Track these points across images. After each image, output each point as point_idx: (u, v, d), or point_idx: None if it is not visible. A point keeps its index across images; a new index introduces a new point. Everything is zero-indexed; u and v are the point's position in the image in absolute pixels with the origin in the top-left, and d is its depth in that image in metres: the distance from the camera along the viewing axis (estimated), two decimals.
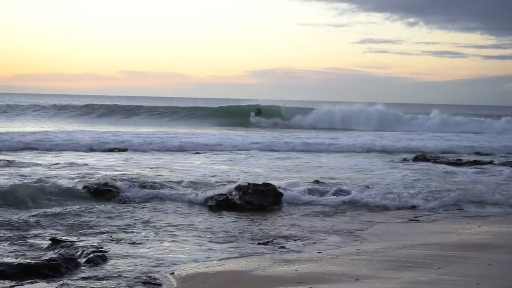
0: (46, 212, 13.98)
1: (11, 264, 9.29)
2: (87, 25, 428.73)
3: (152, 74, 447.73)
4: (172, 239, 11.99)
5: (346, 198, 16.98)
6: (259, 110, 62.21)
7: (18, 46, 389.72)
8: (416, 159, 29.05)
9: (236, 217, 14.53)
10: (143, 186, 17.45)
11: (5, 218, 13.20)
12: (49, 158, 25.46)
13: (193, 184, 18.33)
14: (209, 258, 10.53)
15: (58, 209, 14.30)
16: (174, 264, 10.06)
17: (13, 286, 8.59)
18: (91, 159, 25.50)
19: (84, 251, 10.41)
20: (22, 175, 18.61)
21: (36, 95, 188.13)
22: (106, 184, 16.83)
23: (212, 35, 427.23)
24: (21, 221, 12.96)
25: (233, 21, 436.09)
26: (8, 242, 11.13)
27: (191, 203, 15.81)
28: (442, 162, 27.19)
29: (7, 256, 9.91)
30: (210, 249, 11.27)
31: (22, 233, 11.90)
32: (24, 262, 9.42)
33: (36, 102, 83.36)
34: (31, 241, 11.35)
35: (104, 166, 22.68)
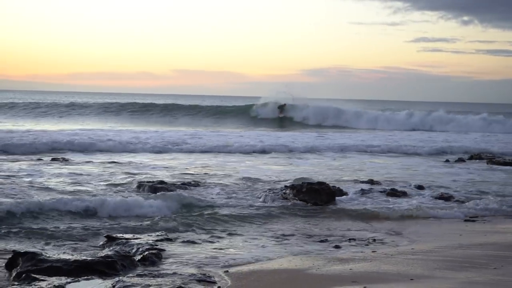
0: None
1: (67, 261, 9.39)
2: (141, 24, 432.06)
3: (206, 73, 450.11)
4: (227, 237, 12.03)
5: (401, 197, 16.89)
6: (282, 106, 60.35)
7: (74, 45, 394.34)
8: (471, 158, 28.83)
9: (290, 216, 14.49)
10: (196, 185, 17.55)
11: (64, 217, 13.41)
12: (101, 157, 25.74)
13: (247, 182, 18.46)
14: (263, 256, 10.54)
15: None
16: (229, 262, 10.09)
17: (70, 282, 8.67)
18: (142, 157, 25.74)
19: (139, 248, 10.50)
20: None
21: (92, 93, 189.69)
22: (161, 182, 16.97)
23: (266, 34, 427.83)
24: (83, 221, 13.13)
25: (287, 20, 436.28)
26: (65, 238, 11.28)
27: (245, 202, 15.81)
28: (497, 163, 26.88)
29: (64, 253, 10.03)
30: (264, 247, 11.28)
31: (82, 231, 12.04)
32: (80, 258, 9.52)
33: (96, 101, 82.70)
34: (87, 237, 11.48)
35: (154, 166, 22.94)
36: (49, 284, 8.43)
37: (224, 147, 30.96)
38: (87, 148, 28.62)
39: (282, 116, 59.73)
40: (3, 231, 11.60)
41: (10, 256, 9.49)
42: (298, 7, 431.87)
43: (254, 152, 30.28)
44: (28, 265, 9.20)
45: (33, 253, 9.50)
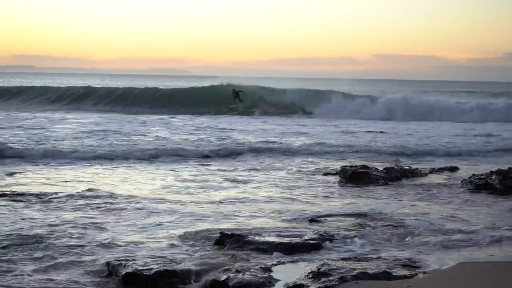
0: None
1: (272, 243, 9.59)
2: (343, 8, 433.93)
3: (406, 57, 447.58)
4: (433, 221, 11.71)
5: None
6: (235, 92, 47.08)
7: (276, 32, 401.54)
8: None
9: (495, 202, 13.96)
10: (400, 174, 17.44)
11: None
12: None
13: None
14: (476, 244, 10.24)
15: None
16: (431, 248, 9.93)
17: (275, 264, 8.81)
18: None
19: (339, 232, 10.53)
20: None
21: (294, 79, 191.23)
22: (364, 166, 16.97)
23: (469, 16, 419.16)
24: None
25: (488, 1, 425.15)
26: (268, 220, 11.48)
27: (446, 186, 15.61)
28: None
29: (269, 235, 10.17)
30: (474, 232, 10.90)
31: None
32: (284, 241, 9.71)
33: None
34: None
35: None
36: (255, 265, 8.61)
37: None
38: None
39: (235, 105, 47.62)
40: None
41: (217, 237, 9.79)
42: None
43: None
44: (235, 246, 9.46)
45: (239, 235, 9.75)
